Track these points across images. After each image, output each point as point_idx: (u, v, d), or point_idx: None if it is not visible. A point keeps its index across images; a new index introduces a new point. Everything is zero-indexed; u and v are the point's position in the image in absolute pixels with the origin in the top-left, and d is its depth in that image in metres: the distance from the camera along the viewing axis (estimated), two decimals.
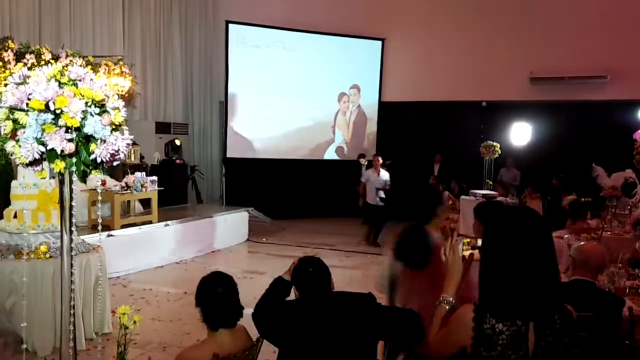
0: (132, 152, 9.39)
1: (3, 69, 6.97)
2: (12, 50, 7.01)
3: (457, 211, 9.84)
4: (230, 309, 2.56)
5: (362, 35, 12.77)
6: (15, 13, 8.82)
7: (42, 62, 7.29)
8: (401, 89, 12.78)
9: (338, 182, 12.56)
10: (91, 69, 7.61)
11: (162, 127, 11.58)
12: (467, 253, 1.90)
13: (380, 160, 9.96)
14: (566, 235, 4.43)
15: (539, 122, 11.74)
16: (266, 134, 12.66)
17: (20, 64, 7.08)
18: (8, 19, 8.67)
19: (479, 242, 1.80)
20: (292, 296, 2.72)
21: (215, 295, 2.54)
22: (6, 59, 6.94)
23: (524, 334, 1.63)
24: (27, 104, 1.47)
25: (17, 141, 1.48)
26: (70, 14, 9.79)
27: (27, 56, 7.15)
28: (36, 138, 1.47)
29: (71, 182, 1.57)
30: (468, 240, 1.92)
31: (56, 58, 7.51)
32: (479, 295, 1.70)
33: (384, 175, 9.90)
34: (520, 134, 11.68)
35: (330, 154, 13.20)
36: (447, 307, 1.84)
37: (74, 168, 1.51)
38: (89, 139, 1.50)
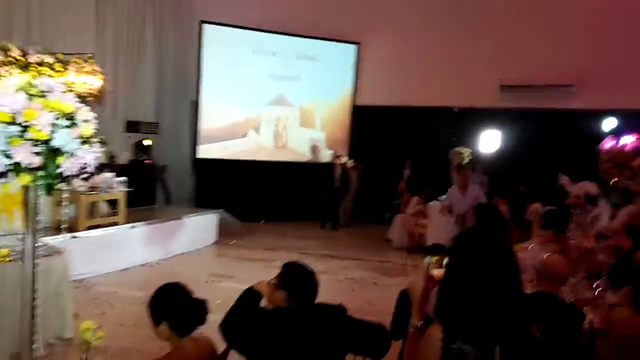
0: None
1: None
2: None
3: (425, 216, 9.96)
4: (196, 310, 2.52)
5: (337, 38, 12.82)
6: None
7: (10, 59, 7.10)
8: (375, 93, 12.87)
9: (309, 185, 12.56)
10: (61, 66, 7.47)
11: (132, 126, 11.38)
12: (435, 272, 1.91)
13: (471, 178, 6.92)
14: (531, 246, 4.52)
15: (509, 129, 11.97)
16: (238, 135, 12.59)
17: None
18: None
19: (446, 260, 1.81)
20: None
21: (176, 301, 2.50)
22: None
23: (490, 356, 1.66)
24: None
25: None
26: (41, 10, 9.55)
27: None
28: (2, 150, 1.43)
29: (37, 193, 1.54)
30: (437, 258, 1.93)
31: (24, 54, 7.31)
32: (439, 316, 1.70)
33: (475, 193, 6.87)
34: (490, 140, 11.88)
35: (302, 155, 13.19)
36: (416, 330, 1.86)
37: (40, 182, 1.47)
38: (57, 151, 1.47)
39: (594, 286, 4.04)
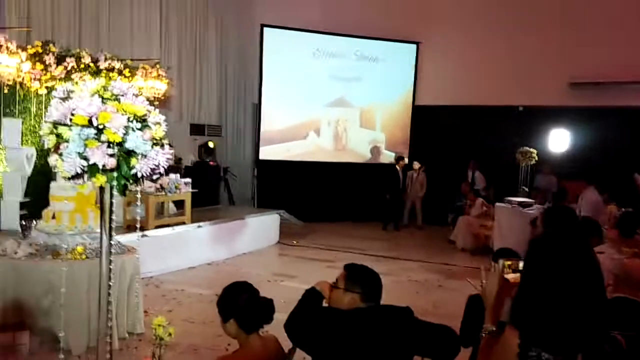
0: None
1: (45, 72, 7.15)
2: (53, 54, 7.18)
3: (491, 218, 9.68)
4: (263, 308, 2.54)
5: (397, 38, 12.70)
6: (58, 18, 9.04)
7: (82, 65, 7.47)
8: (436, 93, 12.66)
9: (371, 186, 12.50)
10: (129, 71, 7.79)
11: (197, 129, 11.71)
12: (510, 276, 1.83)
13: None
14: (607, 250, 4.28)
15: (578, 128, 11.47)
16: (298, 137, 12.70)
17: (60, 67, 7.26)
18: (50, 23, 8.89)
19: (521, 264, 1.74)
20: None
21: (244, 299, 2.53)
22: (47, 62, 7.11)
23: None
24: (70, 119, 1.49)
25: (60, 155, 1.50)
26: (108, 18, 9.98)
27: (68, 59, 7.32)
28: (78, 153, 1.49)
29: (112, 194, 1.59)
30: (510, 262, 1.85)
31: (95, 61, 7.67)
32: (515, 322, 1.63)
33: (589, 201, 6.01)
34: (558, 139, 11.43)
35: (362, 157, 13.14)
36: (489, 336, 1.79)
37: (114, 182, 1.52)
38: (130, 153, 1.51)
39: None
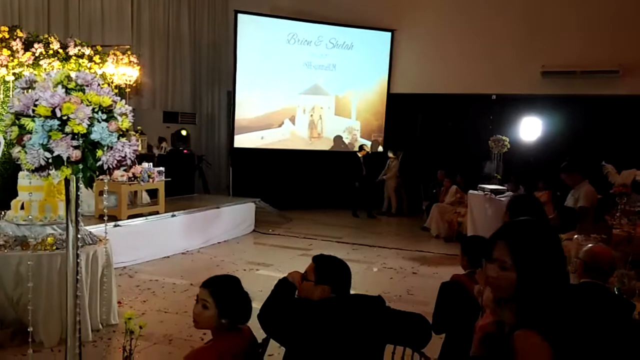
0: (140, 141, 9.37)
1: (11, 58, 6.96)
2: (20, 39, 6.99)
3: (464, 205, 9.80)
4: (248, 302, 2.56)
5: (371, 26, 12.69)
6: (25, 2, 8.79)
7: (51, 51, 7.28)
8: (410, 81, 12.71)
9: (346, 174, 12.53)
10: (99, 58, 7.62)
11: (170, 117, 11.57)
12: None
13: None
14: (576, 236, 4.40)
15: (550, 116, 11.63)
16: (273, 125, 12.64)
17: (28, 53, 7.07)
18: (17, 7, 8.65)
19: None
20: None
21: (245, 296, 2.54)
22: (14, 48, 6.92)
23: None
24: (33, 110, 1.45)
25: (23, 147, 1.46)
26: (79, 2, 9.75)
27: (36, 45, 7.13)
28: (42, 144, 1.45)
29: (77, 187, 1.56)
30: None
31: (64, 47, 7.49)
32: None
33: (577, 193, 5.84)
34: (530, 127, 11.58)
35: (337, 145, 13.16)
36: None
37: (80, 174, 1.49)
38: (95, 145, 1.48)
39: None
